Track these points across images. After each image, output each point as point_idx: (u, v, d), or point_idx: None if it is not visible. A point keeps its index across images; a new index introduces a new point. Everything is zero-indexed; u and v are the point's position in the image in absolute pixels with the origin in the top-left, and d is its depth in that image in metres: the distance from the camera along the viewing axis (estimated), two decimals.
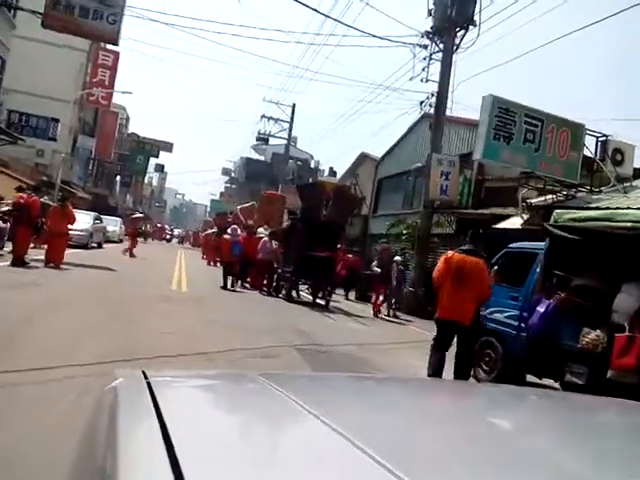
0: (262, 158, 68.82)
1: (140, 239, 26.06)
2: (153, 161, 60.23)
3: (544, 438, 0.99)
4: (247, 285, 15.08)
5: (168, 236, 52.92)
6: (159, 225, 58.05)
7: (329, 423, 0.80)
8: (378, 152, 24.67)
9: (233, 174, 72.95)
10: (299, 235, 13.01)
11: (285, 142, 52.31)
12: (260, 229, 16.90)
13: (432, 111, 15.80)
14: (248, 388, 1.16)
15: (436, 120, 15.39)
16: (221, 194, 77.47)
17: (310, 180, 34.69)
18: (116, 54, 34.24)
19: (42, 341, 5.02)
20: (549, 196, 11.42)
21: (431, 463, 0.76)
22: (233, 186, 72.93)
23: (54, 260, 11.47)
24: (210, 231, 30.15)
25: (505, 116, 10.38)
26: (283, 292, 13.90)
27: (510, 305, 6.41)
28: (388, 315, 13.24)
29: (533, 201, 11.69)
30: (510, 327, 6.33)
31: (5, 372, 3.82)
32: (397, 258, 14.10)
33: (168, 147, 60.62)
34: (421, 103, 16.08)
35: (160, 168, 74.25)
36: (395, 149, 22.45)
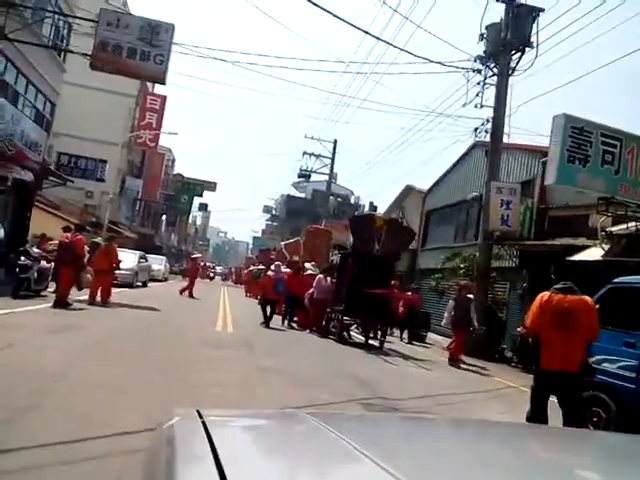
0: (303, 195, 69.27)
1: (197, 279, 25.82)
2: (197, 200, 61.28)
3: None
4: (294, 325, 14.25)
5: (211, 274, 52.89)
6: (202, 263, 58.44)
7: (379, 463, 0.82)
8: (423, 185, 23.87)
9: (274, 211, 73.46)
10: (350, 270, 12.18)
11: (326, 178, 52.32)
12: (307, 265, 16.18)
13: (487, 138, 14.89)
14: (300, 427, 1.16)
15: (492, 146, 14.47)
16: (263, 231, 78.07)
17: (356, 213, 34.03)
18: (163, 98, 35.23)
19: (74, 402, 4.31)
20: (632, 223, 10.23)
21: None
22: (274, 223, 73.38)
23: (102, 297, 11.66)
24: (253, 268, 29.77)
25: (579, 136, 9.41)
26: (332, 331, 13.01)
27: (625, 353, 5.32)
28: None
29: (613, 229, 10.51)
30: (627, 380, 5.21)
31: (23, 449, 3.09)
32: (471, 296, 12.89)
33: (212, 187, 61.62)
34: (475, 130, 15.23)
35: (204, 207, 75.57)
36: (444, 180, 21.54)
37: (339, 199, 55.88)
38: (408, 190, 26.47)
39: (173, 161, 61.59)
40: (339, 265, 13.52)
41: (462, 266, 14.95)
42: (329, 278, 13.79)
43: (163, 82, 16.64)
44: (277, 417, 1.40)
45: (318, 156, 41.40)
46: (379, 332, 12.35)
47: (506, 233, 13.98)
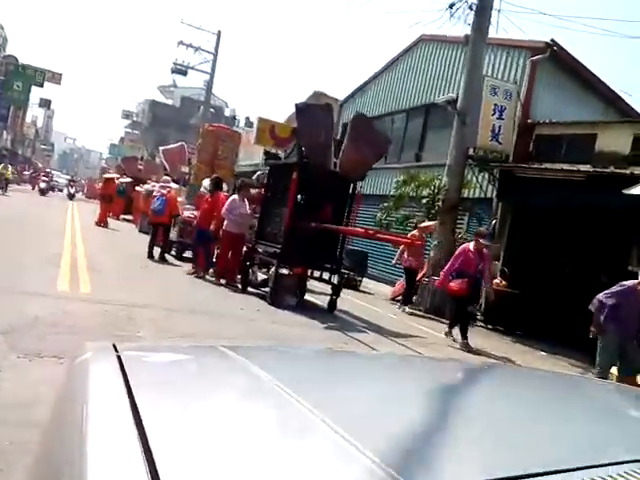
0: (170, 102, 61.15)
1: None
2: (37, 93, 49.59)
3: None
4: (193, 271, 9.48)
5: (42, 184, 30.96)
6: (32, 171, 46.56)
7: (292, 395, 0.82)
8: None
9: (135, 117, 64.00)
10: (292, 192, 7.63)
11: (199, 84, 45.07)
12: (204, 182, 11.15)
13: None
14: (216, 361, 1.13)
15: (478, 30, 10.38)
16: (121, 139, 68.14)
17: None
18: None
19: None
20: None
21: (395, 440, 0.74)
22: (135, 131, 64.16)
23: None
24: (116, 178, 23.13)
25: None
26: (252, 282, 8.58)
27: None
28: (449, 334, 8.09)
29: None
30: None
31: None
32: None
33: (56, 78, 50.31)
34: (451, 6, 10.89)
35: (46, 103, 62.90)
36: (373, 84, 17.25)
37: (212, 110, 49.09)
38: (317, 97, 21.76)
39: (5, 40, 49.09)
40: (267, 183, 8.82)
41: (425, 194, 11.11)
42: (246, 201, 9.11)
43: None
44: (193, 351, 1.32)
45: (197, 49, 34.15)
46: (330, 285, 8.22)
47: (492, 153, 10.39)
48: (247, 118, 48.48)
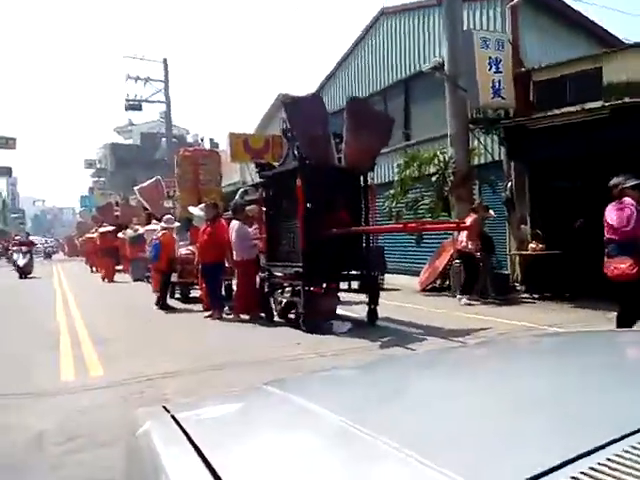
0: (130, 141, 60.11)
1: None
2: None
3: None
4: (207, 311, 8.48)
5: (20, 257, 19.26)
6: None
7: (347, 422, 0.82)
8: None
9: (99, 164, 62.64)
10: (301, 199, 6.68)
11: (155, 117, 44.01)
12: (191, 208, 10.13)
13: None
14: (267, 401, 1.12)
15: None
16: (90, 190, 66.56)
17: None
18: None
19: None
20: None
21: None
22: (102, 179, 62.71)
23: None
24: (91, 234, 22.00)
25: None
26: (274, 309, 7.63)
27: None
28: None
29: None
30: None
31: None
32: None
33: (10, 143, 49.10)
34: None
35: (7, 171, 61.35)
36: (341, 71, 16.34)
37: (175, 140, 47.97)
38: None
39: None
40: (265, 197, 7.84)
41: (433, 171, 10.17)
42: (248, 224, 8.15)
43: None
44: (242, 397, 1.32)
45: (147, 80, 33.07)
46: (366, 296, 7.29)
47: (495, 111, 9.53)
48: (211, 140, 47.39)
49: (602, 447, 0.64)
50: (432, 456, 0.65)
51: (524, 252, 9.75)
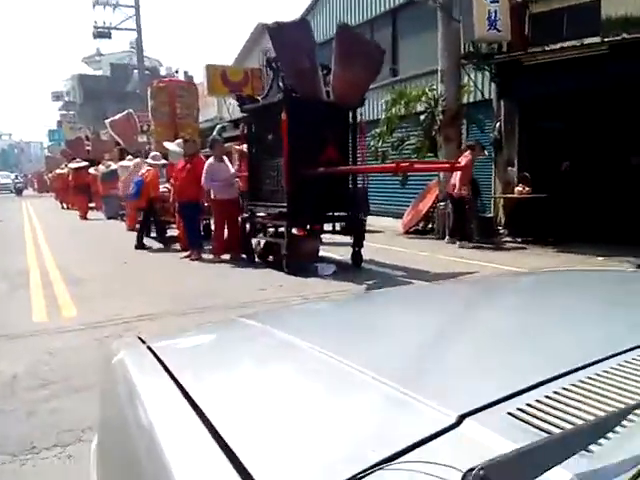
0: (99, 72, 57.06)
1: None
2: None
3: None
4: (182, 252, 8.19)
5: None
6: None
7: (324, 352, 0.83)
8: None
9: (67, 97, 59.54)
10: (286, 136, 6.28)
11: (127, 47, 41.60)
12: (167, 144, 9.59)
13: None
14: (243, 333, 1.11)
15: None
16: (59, 123, 63.63)
17: None
18: None
19: None
20: None
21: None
22: (71, 112, 59.76)
23: None
24: (61, 170, 20.99)
25: None
26: (256, 250, 7.39)
27: None
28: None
29: None
30: None
31: None
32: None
33: None
34: None
35: None
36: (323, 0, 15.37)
37: (147, 72, 45.58)
38: (262, 32, 19.67)
39: None
40: (248, 133, 7.39)
41: (421, 110, 9.75)
42: (226, 159, 7.74)
43: None
44: (216, 328, 1.31)
45: (116, 5, 30.90)
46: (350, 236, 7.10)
47: (489, 46, 9.06)
48: (185, 72, 45.17)
49: (544, 383, 0.66)
50: (404, 383, 0.68)
51: (510, 195, 9.61)
